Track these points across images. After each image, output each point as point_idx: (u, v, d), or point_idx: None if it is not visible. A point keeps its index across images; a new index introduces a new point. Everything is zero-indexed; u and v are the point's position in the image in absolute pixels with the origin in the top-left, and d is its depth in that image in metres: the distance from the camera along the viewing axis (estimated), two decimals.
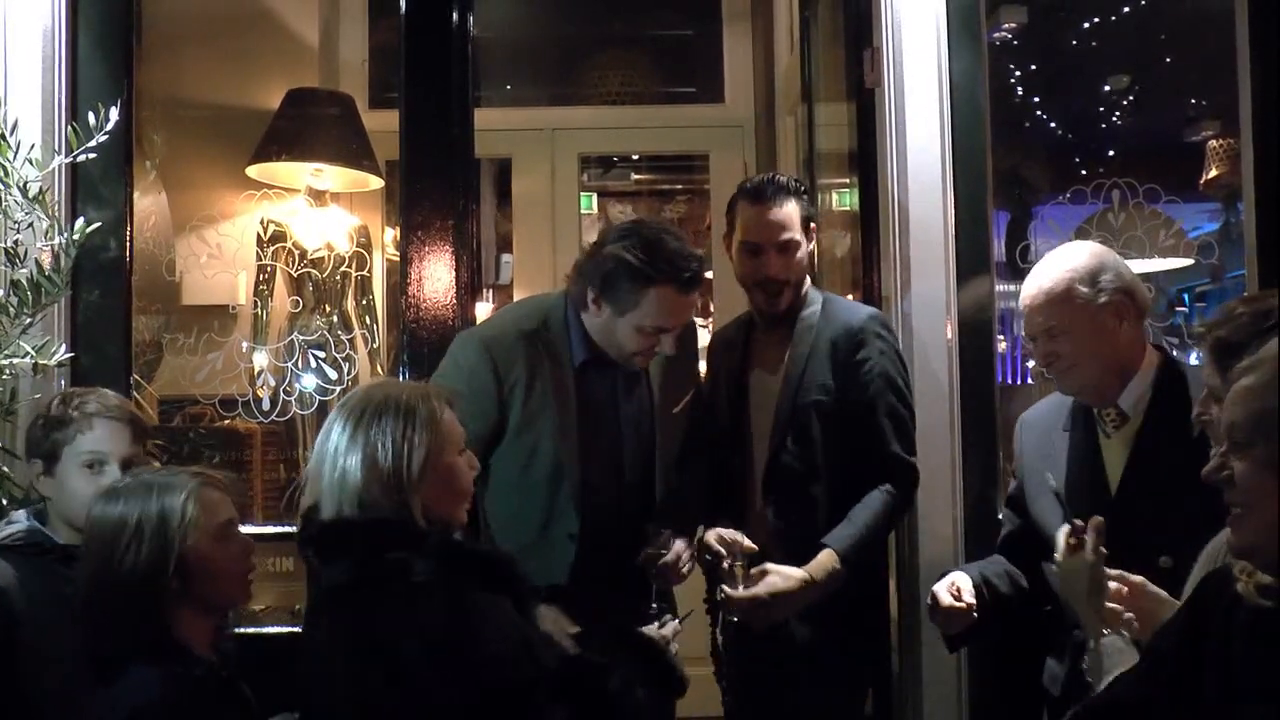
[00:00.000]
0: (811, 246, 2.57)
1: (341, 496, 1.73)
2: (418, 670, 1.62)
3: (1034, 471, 2.23)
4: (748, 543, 2.35)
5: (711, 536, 2.40)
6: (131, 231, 2.79)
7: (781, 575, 2.32)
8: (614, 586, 2.29)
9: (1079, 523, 1.85)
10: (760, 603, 2.31)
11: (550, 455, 2.32)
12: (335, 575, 1.72)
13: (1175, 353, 2.70)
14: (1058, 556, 1.88)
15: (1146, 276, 2.64)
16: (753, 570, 2.32)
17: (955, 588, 2.22)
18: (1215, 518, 1.78)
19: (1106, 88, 4.01)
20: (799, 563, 2.35)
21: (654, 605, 2.31)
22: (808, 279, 2.58)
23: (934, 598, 2.23)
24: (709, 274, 2.76)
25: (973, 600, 2.20)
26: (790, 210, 2.49)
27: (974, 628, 2.23)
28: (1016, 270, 2.89)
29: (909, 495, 2.52)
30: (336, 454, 1.75)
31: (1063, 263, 2.14)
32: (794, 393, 2.48)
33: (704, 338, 3.24)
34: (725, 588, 2.34)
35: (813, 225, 2.56)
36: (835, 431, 2.46)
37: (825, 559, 2.36)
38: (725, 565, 2.35)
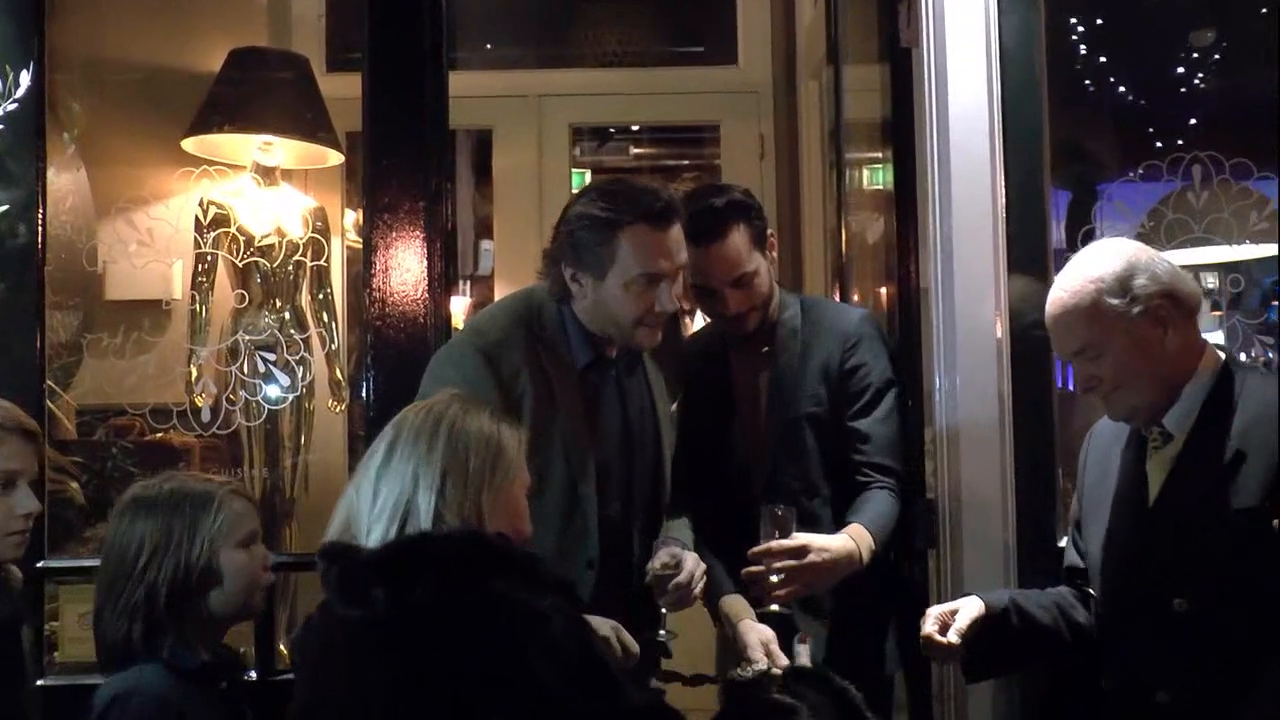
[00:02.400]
0: (773, 257, 2.73)
1: (405, 521, 1.80)
2: (564, 696, 1.63)
3: (1091, 491, 2.28)
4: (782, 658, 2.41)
5: (754, 643, 2.46)
6: (45, 214, 2.82)
7: (820, 535, 2.45)
8: (625, 613, 2.34)
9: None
10: (800, 554, 2.39)
11: (563, 475, 2.38)
12: (415, 597, 1.70)
13: (1271, 355, 2.72)
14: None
15: (1234, 266, 2.65)
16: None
17: (950, 614, 2.26)
18: (1238, 556, 1.94)
19: (1188, 45, 4.01)
20: None
21: (664, 632, 2.42)
22: (776, 292, 2.74)
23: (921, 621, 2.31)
24: None
25: (963, 628, 2.23)
26: (737, 242, 2.59)
27: (994, 659, 2.29)
28: None
29: (895, 511, 2.66)
30: (401, 475, 1.83)
31: (1085, 271, 2.14)
32: (786, 405, 2.66)
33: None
34: (765, 537, 2.42)
35: (770, 238, 2.70)
36: (831, 443, 2.65)
37: (860, 533, 2.50)
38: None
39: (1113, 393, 2.14)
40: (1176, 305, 2.10)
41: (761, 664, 2.34)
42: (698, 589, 2.43)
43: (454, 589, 1.61)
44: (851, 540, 2.49)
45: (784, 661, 2.37)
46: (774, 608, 2.46)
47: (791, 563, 2.41)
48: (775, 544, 2.42)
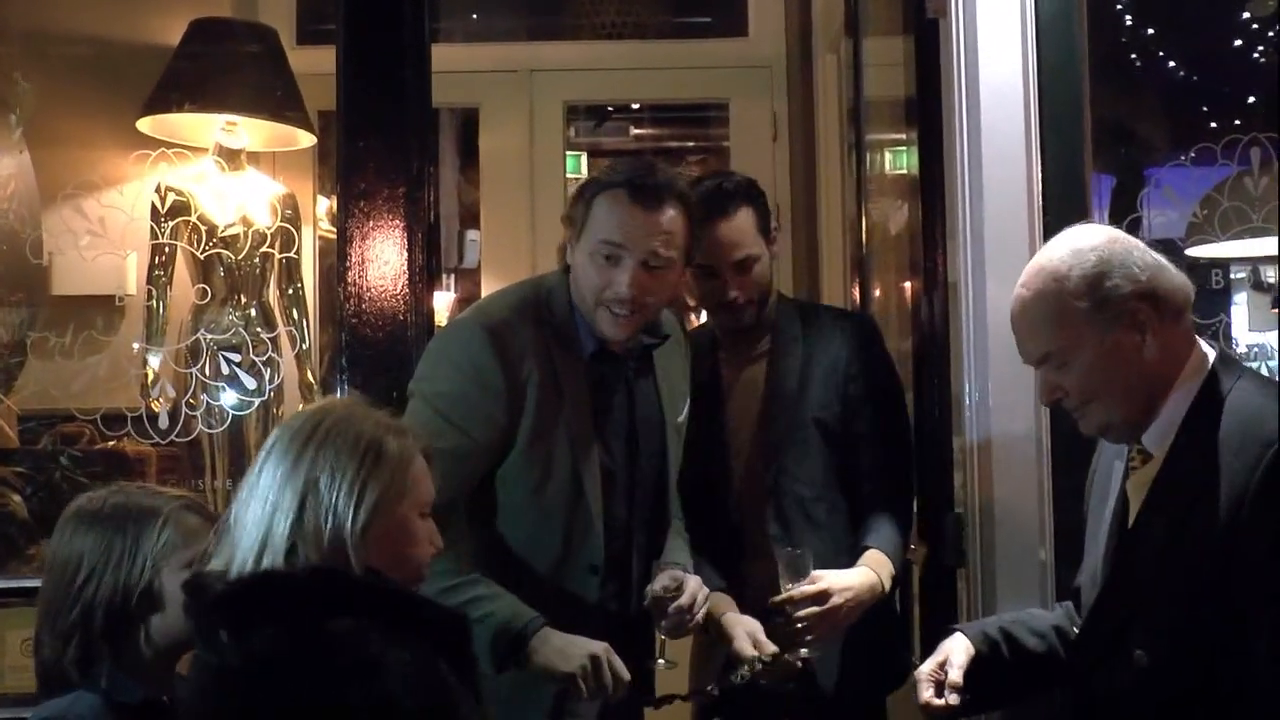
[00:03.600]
0: (775, 251, 2.84)
1: (268, 543, 1.75)
2: None
3: (1094, 510, 2.23)
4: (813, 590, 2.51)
5: (748, 649, 2.50)
6: None
7: (841, 573, 2.53)
8: (622, 634, 2.37)
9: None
10: (823, 599, 2.47)
11: (568, 470, 2.41)
12: (257, 645, 1.73)
13: None
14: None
15: None
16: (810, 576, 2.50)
17: (940, 669, 2.23)
18: (1198, 604, 1.83)
19: (1245, 15, 3.99)
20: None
21: (663, 661, 2.46)
22: (774, 291, 2.86)
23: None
24: None
25: (959, 682, 2.20)
26: (743, 222, 2.72)
27: (987, 695, 2.27)
28: None
29: (909, 524, 2.78)
30: (267, 489, 1.78)
31: (1049, 266, 2.01)
32: (791, 408, 2.77)
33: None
34: (784, 582, 2.49)
35: (774, 229, 2.82)
36: (838, 450, 2.76)
37: (880, 560, 2.60)
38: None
39: (1082, 406, 2.02)
40: (1157, 307, 1.95)
41: (752, 654, 2.45)
42: (700, 614, 2.44)
43: (291, 637, 1.63)
44: (872, 572, 2.59)
45: (772, 649, 2.47)
46: (803, 652, 2.53)
47: (815, 609, 2.50)
48: (797, 592, 2.49)
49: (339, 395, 2.77)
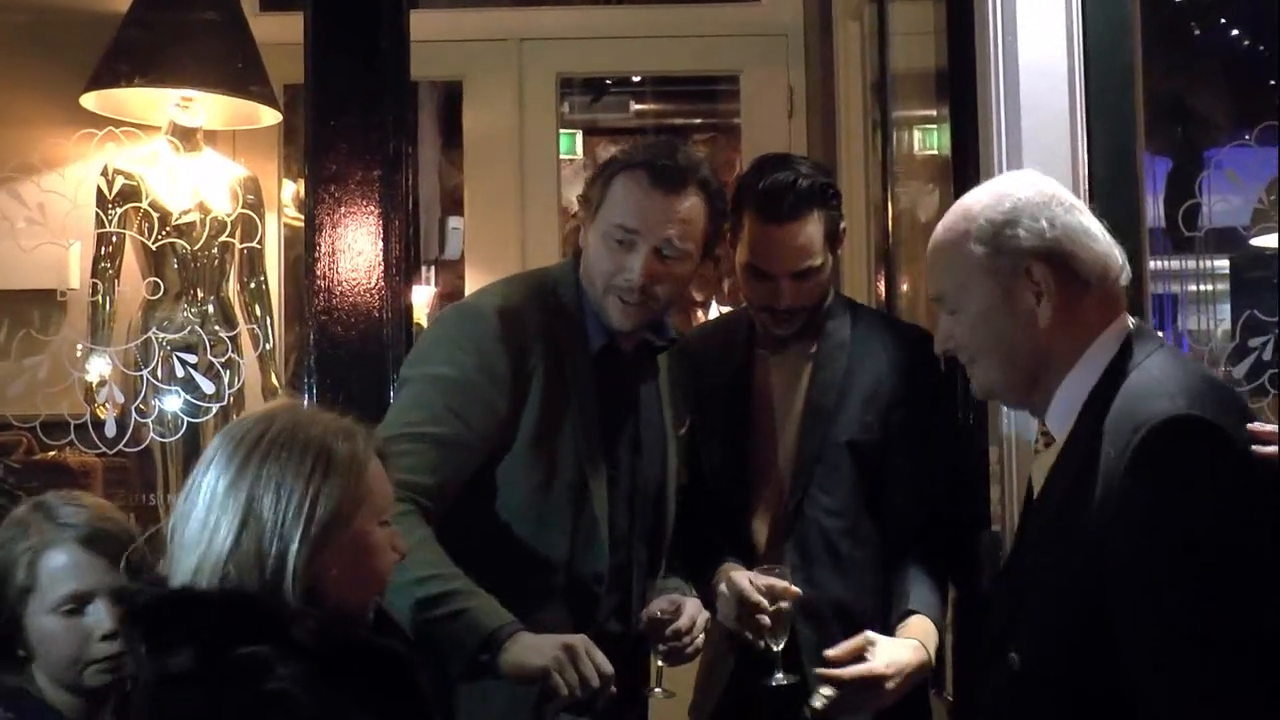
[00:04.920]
0: (839, 254, 2.80)
1: (200, 565, 1.75)
2: None
3: None
4: (792, 586, 2.51)
5: (743, 580, 2.51)
6: None
7: (894, 646, 2.47)
8: (619, 651, 2.37)
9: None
10: (877, 680, 2.41)
11: (574, 470, 2.45)
12: (169, 664, 1.75)
13: None
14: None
15: None
16: (854, 639, 2.46)
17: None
18: (1066, 608, 1.83)
19: None
20: (824, 636, 2.58)
21: (660, 690, 2.48)
22: (830, 294, 2.81)
23: None
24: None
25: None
26: (812, 230, 2.66)
27: None
28: (1180, 239, 2.90)
29: (947, 579, 2.71)
30: (206, 505, 1.76)
31: (964, 203, 2.04)
32: (825, 425, 2.71)
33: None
34: (830, 656, 2.43)
35: (842, 231, 2.74)
36: (872, 478, 2.71)
37: (928, 631, 2.53)
38: (764, 620, 2.48)
39: (970, 363, 2.04)
40: (1060, 272, 1.94)
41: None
42: (699, 639, 2.48)
43: (199, 660, 1.72)
44: (924, 648, 2.51)
45: (796, 591, 2.50)
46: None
47: (869, 693, 2.44)
48: (850, 673, 2.42)
49: (304, 400, 2.76)
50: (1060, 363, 1.97)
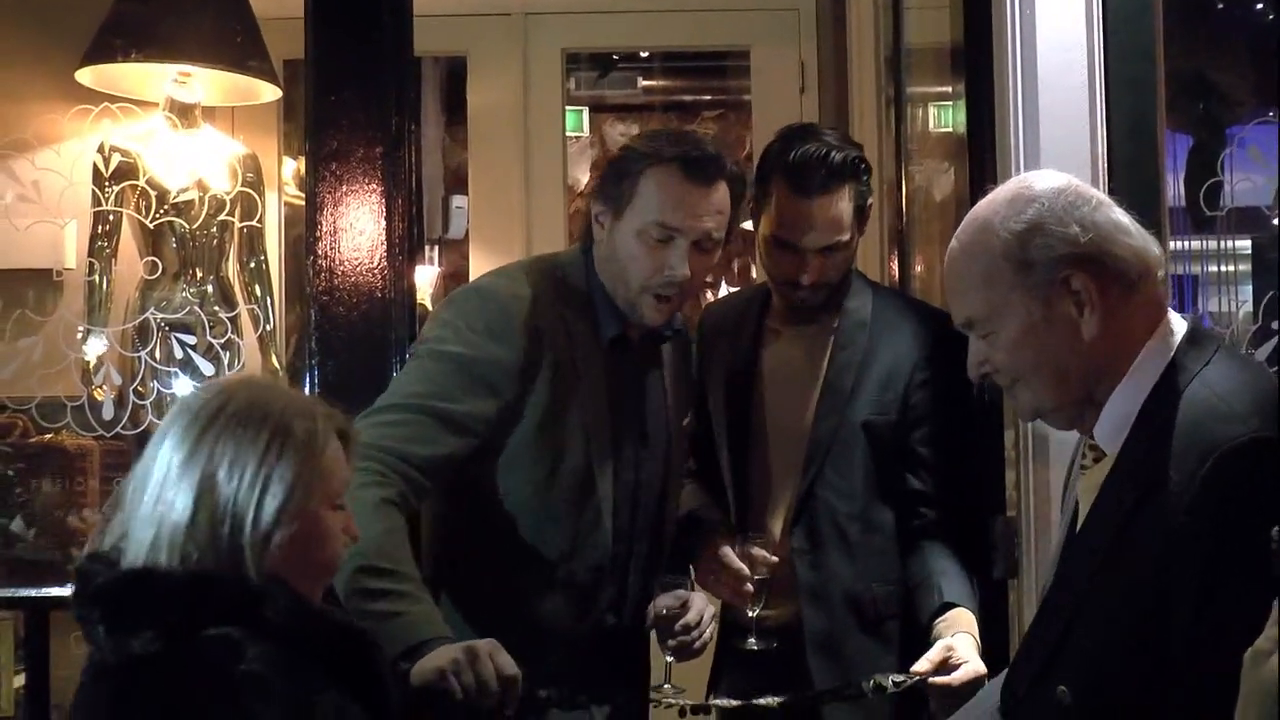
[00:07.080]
0: (864, 229, 2.80)
1: (156, 542, 1.76)
2: None
3: (1067, 504, 2.23)
4: (771, 556, 2.58)
5: (727, 551, 2.59)
6: None
7: (965, 644, 2.48)
8: (616, 648, 2.45)
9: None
10: (981, 679, 2.41)
11: (581, 462, 2.46)
12: (134, 646, 1.76)
13: None
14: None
15: None
16: (940, 642, 2.48)
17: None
18: (1128, 637, 1.75)
19: None
20: (832, 622, 2.66)
21: (668, 686, 2.48)
22: (852, 270, 2.82)
23: None
24: (747, 224, 2.83)
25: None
26: (844, 205, 2.67)
27: None
28: (1201, 218, 2.88)
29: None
30: (161, 479, 1.77)
31: (980, 215, 1.93)
32: (840, 406, 2.72)
33: None
34: (921, 672, 2.45)
35: (869, 206, 2.77)
36: (885, 462, 2.71)
37: (972, 623, 2.54)
38: (746, 588, 2.55)
39: (1011, 386, 1.95)
40: (1099, 276, 1.84)
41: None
42: (707, 633, 2.50)
43: (165, 642, 1.74)
44: (977, 641, 2.52)
45: (775, 560, 2.56)
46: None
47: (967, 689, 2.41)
48: (959, 677, 2.42)
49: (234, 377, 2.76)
50: (1110, 374, 1.88)
